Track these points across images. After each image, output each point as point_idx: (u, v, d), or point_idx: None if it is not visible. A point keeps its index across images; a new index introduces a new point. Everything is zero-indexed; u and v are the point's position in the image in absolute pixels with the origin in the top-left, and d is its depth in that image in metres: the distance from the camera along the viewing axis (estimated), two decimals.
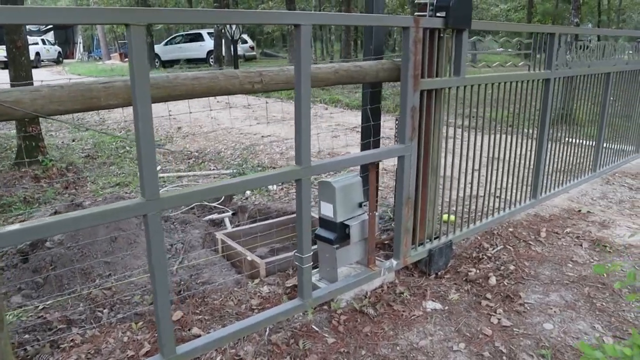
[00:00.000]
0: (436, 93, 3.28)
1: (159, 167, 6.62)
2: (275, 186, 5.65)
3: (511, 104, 3.90)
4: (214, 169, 6.61)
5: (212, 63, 23.65)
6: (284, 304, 2.85)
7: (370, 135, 3.93)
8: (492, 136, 3.86)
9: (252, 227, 4.29)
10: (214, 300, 3.19)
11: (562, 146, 4.82)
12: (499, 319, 2.98)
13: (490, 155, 3.81)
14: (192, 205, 5.12)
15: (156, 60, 26.50)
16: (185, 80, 2.52)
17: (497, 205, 4.16)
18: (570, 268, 3.60)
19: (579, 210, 4.73)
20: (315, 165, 2.61)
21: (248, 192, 5.49)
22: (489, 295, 3.23)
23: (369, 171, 3.05)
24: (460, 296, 3.23)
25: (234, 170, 6.17)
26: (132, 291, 3.38)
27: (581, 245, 3.96)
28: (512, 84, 3.87)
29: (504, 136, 3.96)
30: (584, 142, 5.21)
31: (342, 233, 3.11)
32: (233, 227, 4.72)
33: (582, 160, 5.20)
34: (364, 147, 3.99)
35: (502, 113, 3.98)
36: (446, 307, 3.11)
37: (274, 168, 6.36)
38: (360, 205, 3.18)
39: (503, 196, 4.19)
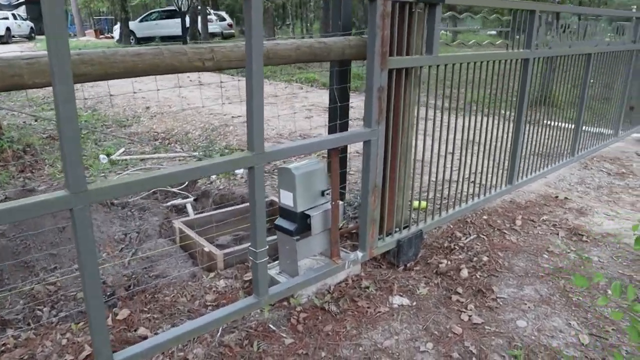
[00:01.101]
0: (407, 72, 3.03)
1: (122, 149, 6.29)
2: (242, 170, 5.38)
3: (488, 85, 3.67)
4: (180, 151, 6.30)
5: (188, 40, 23.00)
6: (238, 302, 2.61)
7: (337, 117, 3.68)
8: (468, 118, 3.64)
9: (213, 214, 4.04)
10: (166, 296, 2.94)
11: (540, 129, 4.63)
12: (469, 316, 2.80)
13: (465, 138, 3.59)
14: (153, 190, 4.84)
15: (131, 37, 25.68)
16: (125, 56, 2.23)
17: (471, 191, 3.97)
18: (545, 259, 3.43)
19: (556, 197, 4.58)
20: (270, 152, 2.36)
21: (213, 176, 5.22)
22: (460, 290, 3.04)
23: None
24: (430, 290, 3.04)
25: (200, 153, 5.88)
26: (78, 286, 3.11)
27: (557, 234, 3.80)
28: (489, 63, 3.64)
29: (480, 118, 3.74)
30: (563, 124, 5.04)
31: (302, 224, 2.87)
32: (196, 214, 4.47)
33: (560, 144, 5.03)
34: (331, 130, 3.75)
35: (478, 94, 3.75)
36: (414, 303, 2.92)
37: (242, 150, 6.08)
38: (323, 193, 2.95)
39: (478, 181, 4.00)
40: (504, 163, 4.23)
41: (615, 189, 4.86)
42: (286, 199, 2.88)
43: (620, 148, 6.28)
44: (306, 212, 2.87)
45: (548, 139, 4.81)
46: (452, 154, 3.66)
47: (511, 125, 4.20)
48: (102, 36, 32.03)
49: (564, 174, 5.19)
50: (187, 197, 4.86)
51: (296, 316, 2.75)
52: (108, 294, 3.02)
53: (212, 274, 3.12)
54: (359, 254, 3.09)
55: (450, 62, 3.26)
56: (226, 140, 6.53)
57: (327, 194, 2.94)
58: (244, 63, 2.61)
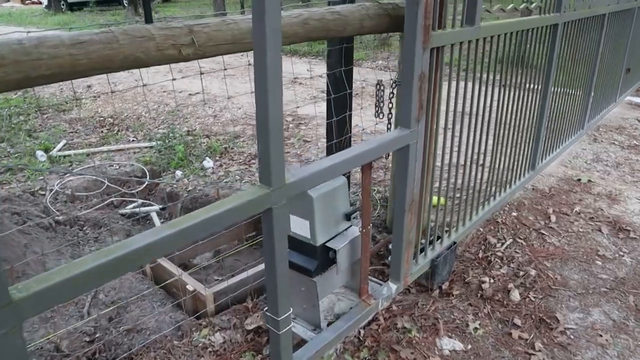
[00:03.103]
0: (442, 51, 2.32)
1: (63, 142, 5.29)
2: (211, 162, 4.57)
3: (519, 57, 3.01)
4: (133, 140, 5.38)
5: (126, 4, 21.12)
6: None
7: (341, 107, 2.95)
8: (489, 97, 2.97)
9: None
10: None
11: (554, 100, 4.04)
12: None
13: (488, 120, 2.93)
14: (108, 201, 3.97)
15: (62, 2, 23.36)
16: (58, 48, 1.40)
17: (497, 183, 3.35)
18: (600, 267, 2.89)
19: (579, 180, 4.05)
20: (294, 182, 1.61)
21: (179, 174, 4.38)
22: (517, 321, 2.45)
23: (362, 171, 2.08)
24: (482, 325, 2.43)
25: (159, 142, 4.99)
26: None
27: (600, 231, 3.26)
28: (523, 33, 2.96)
29: (501, 95, 3.08)
30: (574, 92, 4.48)
31: (324, 259, 2.17)
32: None
33: (572, 116, 4.48)
34: (330, 124, 3.01)
35: (501, 68, 3.08)
36: (469, 347, 2.30)
37: (208, 137, 5.24)
38: (348, 217, 2.24)
39: (502, 172, 3.38)
40: (527, 145, 3.62)
41: (635, 165, 4.39)
42: (300, 228, 2.15)
43: (619, 114, 5.85)
44: (328, 245, 2.16)
45: (563, 111, 4.23)
46: (479, 141, 3.00)
47: (533, 101, 3.57)
48: (28, 2, 29.11)
49: (576, 150, 4.68)
50: (148, 203, 4.03)
51: None
52: None
53: (205, 330, 2.37)
54: (392, 286, 2.42)
55: (496, 33, 2.57)
56: (187, 125, 5.63)
57: (354, 217, 2.24)
58: (237, 47, 1.84)
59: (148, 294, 2.69)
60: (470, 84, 2.59)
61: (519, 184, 3.63)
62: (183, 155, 4.65)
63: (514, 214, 3.43)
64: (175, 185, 4.19)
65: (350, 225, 2.27)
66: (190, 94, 6.74)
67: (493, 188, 3.22)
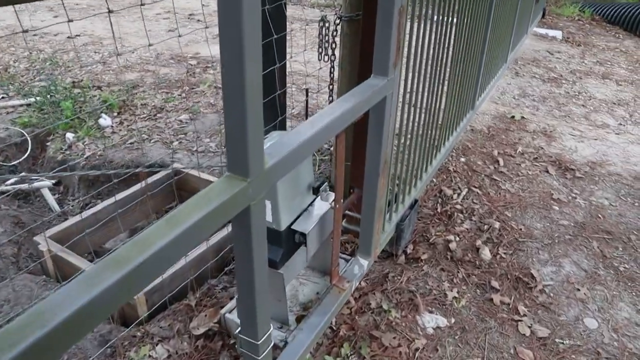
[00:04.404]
0: None
1: None
2: (108, 120, 3.84)
3: None
4: (3, 97, 4.41)
5: None
6: None
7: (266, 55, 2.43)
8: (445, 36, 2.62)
9: (99, 210, 2.65)
10: None
11: (492, 34, 3.83)
12: (529, 326, 2.04)
13: (445, 60, 2.61)
14: None
15: None
16: None
17: (446, 126, 3.09)
18: (558, 212, 2.78)
19: (512, 117, 3.94)
20: (275, 164, 1.15)
21: (70, 136, 3.62)
22: (495, 283, 2.25)
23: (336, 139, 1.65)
24: (461, 293, 2.20)
25: (39, 99, 4.10)
26: None
27: (548, 172, 3.16)
28: None
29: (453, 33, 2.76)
30: (505, 25, 4.30)
31: (290, 245, 1.76)
32: (62, 208, 3.01)
33: (501, 49, 4.33)
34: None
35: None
36: (453, 320, 2.06)
37: (99, 89, 4.42)
38: (313, 189, 1.82)
39: (450, 114, 3.12)
40: (471, 83, 3.38)
41: (559, 99, 4.38)
42: None
43: (530, 46, 5.87)
44: (294, 228, 1.74)
45: (494, 44, 4.05)
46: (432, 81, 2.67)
47: (473, 33, 3.29)
48: None
49: (503, 86, 4.58)
50: (34, 176, 3.29)
51: None
52: None
53: (144, 348, 1.88)
54: (364, 262, 2.08)
55: None
56: (71, 74, 4.72)
57: (323, 190, 1.82)
58: None
59: None
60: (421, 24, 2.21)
61: (462, 125, 3.40)
62: (72, 113, 3.86)
63: (462, 159, 3.22)
64: (68, 152, 3.45)
65: (316, 198, 1.86)
66: (69, 37, 5.69)
67: (441, 132, 2.95)
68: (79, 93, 4.27)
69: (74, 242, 2.35)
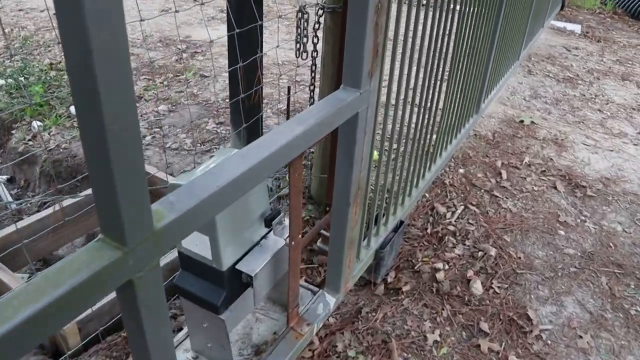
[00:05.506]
0: None
1: None
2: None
3: None
4: None
5: None
6: None
7: (248, 45, 2.11)
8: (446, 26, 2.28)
9: (50, 214, 2.37)
10: None
11: (503, 27, 3.46)
12: None
13: (445, 54, 2.27)
14: None
15: None
16: None
17: (445, 131, 2.76)
18: (564, 237, 2.46)
19: (521, 121, 3.60)
20: (173, 222, 0.85)
21: (36, 125, 3.34)
22: (484, 325, 1.95)
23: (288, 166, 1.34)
24: (444, 336, 1.91)
25: (10, 81, 3.81)
26: None
27: (556, 188, 2.83)
28: None
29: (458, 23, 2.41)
30: (518, 17, 3.92)
31: (234, 286, 1.47)
32: (16, 204, 2.75)
33: (513, 44, 3.96)
34: (232, 76, 2.17)
35: None
36: None
37: None
38: (266, 220, 1.52)
39: (451, 117, 2.79)
40: (476, 82, 3.03)
41: (574, 102, 4.02)
42: (196, 244, 1.41)
43: (546, 41, 5.47)
44: (239, 268, 1.45)
45: (504, 39, 3.68)
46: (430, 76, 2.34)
47: (480, 27, 2.93)
48: None
49: (513, 85, 4.22)
50: None
51: None
52: None
53: None
54: (330, 300, 1.79)
55: None
56: (50, 55, 4.42)
57: (278, 222, 1.52)
58: None
59: None
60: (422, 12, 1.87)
61: (464, 131, 3.07)
62: (42, 98, 3.57)
63: (461, 170, 2.89)
64: (31, 142, 3.17)
65: (270, 230, 1.56)
66: (55, 14, 5.37)
67: (436, 139, 2.61)
68: (54, 76, 3.97)
69: (13, 252, 2.08)
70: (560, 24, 6.33)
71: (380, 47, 1.43)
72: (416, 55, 1.81)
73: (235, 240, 1.43)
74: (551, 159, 3.12)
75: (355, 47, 1.35)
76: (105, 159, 0.69)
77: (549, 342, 1.92)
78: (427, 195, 2.65)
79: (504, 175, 2.88)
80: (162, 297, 0.89)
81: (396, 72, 1.63)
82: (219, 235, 1.34)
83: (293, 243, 1.47)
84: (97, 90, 0.63)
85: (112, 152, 0.68)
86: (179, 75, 4.09)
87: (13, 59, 4.32)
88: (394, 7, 1.51)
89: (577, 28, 6.27)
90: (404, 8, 1.61)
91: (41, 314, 0.67)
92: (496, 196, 2.70)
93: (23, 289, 0.68)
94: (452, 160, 2.98)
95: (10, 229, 2.21)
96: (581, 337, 1.95)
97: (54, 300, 0.68)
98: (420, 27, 1.78)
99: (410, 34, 1.69)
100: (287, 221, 1.54)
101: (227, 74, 3.94)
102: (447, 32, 2.08)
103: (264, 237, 1.54)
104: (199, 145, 3.13)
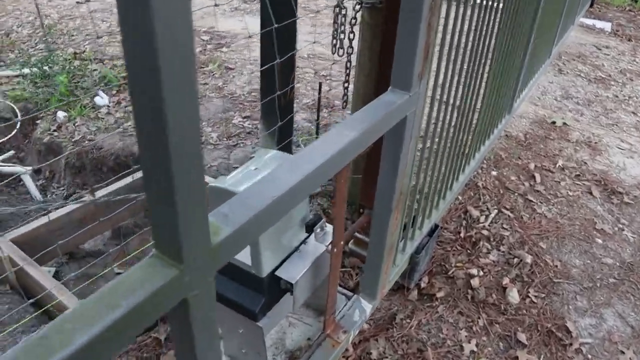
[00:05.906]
0: None
1: None
2: (106, 98, 3.52)
3: None
4: (1, 65, 4.12)
5: None
6: None
7: (284, 40, 2.05)
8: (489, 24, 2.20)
9: (74, 208, 2.34)
10: None
11: (539, 24, 3.36)
12: None
13: (485, 52, 2.19)
14: None
15: None
16: None
17: (479, 133, 2.68)
18: (601, 246, 2.38)
19: (553, 122, 3.50)
20: (229, 237, 0.80)
21: (61, 115, 3.32)
22: (522, 336, 1.89)
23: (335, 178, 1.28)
24: (481, 347, 1.85)
25: (35, 70, 3.79)
26: None
27: (591, 194, 2.75)
28: None
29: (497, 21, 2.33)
30: (553, 13, 3.81)
31: (273, 292, 1.43)
32: (44, 197, 2.73)
33: (545, 43, 3.85)
34: (265, 74, 2.10)
35: None
36: None
37: (102, 62, 4.09)
38: (307, 226, 1.47)
39: (485, 118, 2.71)
40: (510, 82, 2.95)
41: (607, 104, 3.91)
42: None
43: (576, 39, 5.33)
44: (279, 274, 1.40)
45: (538, 37, 3.57)
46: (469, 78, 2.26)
47: (518, 24, 2.84)
48: None
49: (543, 84, 4.11)
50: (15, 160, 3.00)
51: None
52: None
53: None
54: (367, 307, 1.74)
55: None
56: (74, 45, 4.40)
57: (320, 227, 1.47)
58: None
59: (17, 316, 1.84)
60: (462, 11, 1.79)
61: (497, 131, 2.98)
62: (66, 88, 3.55)
63: (494, 172, 2.82)
64: (56, 133, 3.15)
65: (309, 235, 1.51)
66: (78, 2, 5.36)
67: (471, 140, 2.53)
68: (78, 66, 3.95)
69: (42, 246, 2.05)
70: (589, 22, 6.18)
71: (431, 48, 1.37)
72: (459, 54, 1.74)
73: (275, 246, 1.38)
74: (585, 163, 3.03)
75: (407, 48, 1.29)
76: (165, 170, 0.64)
77: (589, 356, 1.85)
78: (459, 197, 2.58)
79: (538, 179, 2.80)
80: (214, 314, 0.85)
81: (433, 70, 1.56)
82: (260, 242, 1.30)
83: (335, 250, 1.42)
84: (161, 96, 0.58)
85: (174, 162, 0.63)
86: (202, 67, 4.04)
87: (38, 47, 4.30)
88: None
89: (607, 26, 6.11)
90: (445, 5, 1.54)
91: (98, 339, 0.62)
92: (530, 200, 2.63)
93: (76, 311, 0.64)
94: (485, 161, 2.91)
95: (41, 221, 2.18)
96: (623, 352, 1.88)
97: (111, 323, 0.64)
98: (465, 26, 1.71)
99: (456, 33, 1.62)
100: (328, 227, 1.49)
101: (251, 67, 3.88)
102: (490, 29, 2.00)
103: (303, 242, 1.49)
104: (224, 139, 3.08)
